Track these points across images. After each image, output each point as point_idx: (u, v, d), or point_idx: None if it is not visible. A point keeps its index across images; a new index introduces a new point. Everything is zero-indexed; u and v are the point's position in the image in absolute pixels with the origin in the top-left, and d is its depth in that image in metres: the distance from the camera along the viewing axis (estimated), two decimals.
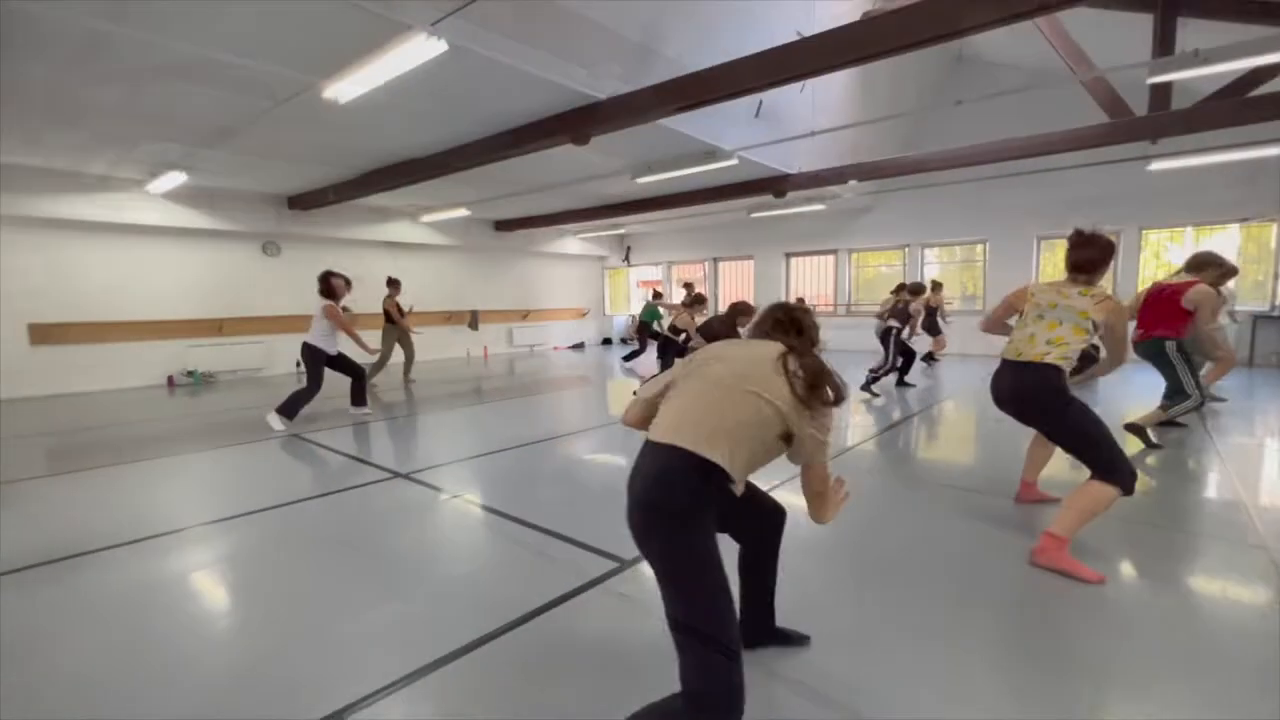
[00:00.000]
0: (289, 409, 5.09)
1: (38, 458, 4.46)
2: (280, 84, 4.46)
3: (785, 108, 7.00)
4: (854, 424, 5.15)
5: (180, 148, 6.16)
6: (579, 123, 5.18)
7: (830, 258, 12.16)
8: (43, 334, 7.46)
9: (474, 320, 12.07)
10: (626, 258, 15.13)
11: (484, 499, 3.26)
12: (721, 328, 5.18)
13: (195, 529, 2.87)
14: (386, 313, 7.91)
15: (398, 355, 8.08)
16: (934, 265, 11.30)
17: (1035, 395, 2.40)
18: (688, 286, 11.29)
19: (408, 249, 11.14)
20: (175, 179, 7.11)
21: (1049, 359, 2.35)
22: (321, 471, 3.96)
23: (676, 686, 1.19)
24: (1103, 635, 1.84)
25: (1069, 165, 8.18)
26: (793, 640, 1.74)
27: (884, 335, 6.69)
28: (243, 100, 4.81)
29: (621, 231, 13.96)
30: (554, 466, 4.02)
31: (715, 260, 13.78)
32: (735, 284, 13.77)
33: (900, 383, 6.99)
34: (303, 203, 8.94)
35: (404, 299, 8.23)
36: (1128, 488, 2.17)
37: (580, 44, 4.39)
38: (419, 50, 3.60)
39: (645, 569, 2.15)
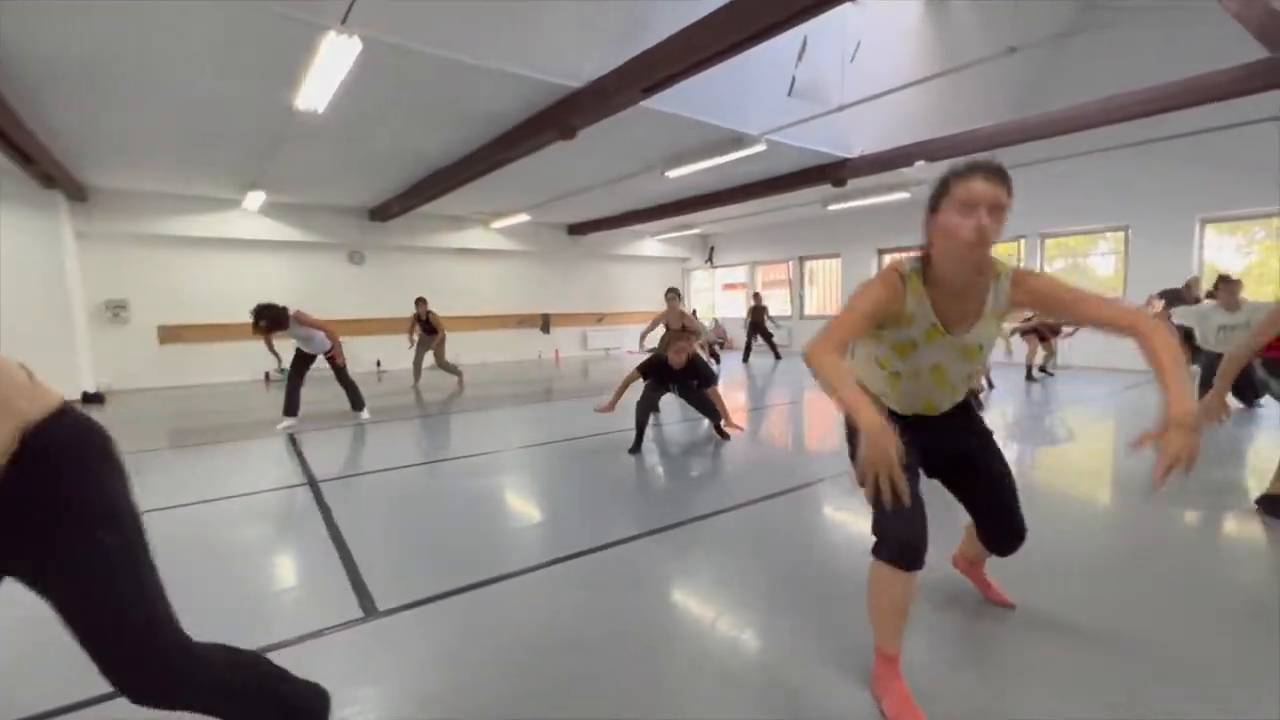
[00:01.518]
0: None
1: (161, 435, 5.37)
2: (259, 99, 4.69)
3: (830, 83, 6.10)
4: None
5: (239, 167, 6.86)
6: (560, 116, 4.89)
7: None
8: (168, 334, 8.79)
9: (545, 324, 12.27)
10: (709, 258, 14.53)
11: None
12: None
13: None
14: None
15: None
16: (1101, 258, 9.37)
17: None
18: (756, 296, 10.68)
19: (482, 255, 11.60)
20: (258, 197, 7.99)
21: None
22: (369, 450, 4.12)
23: None
24: None
25: (1241, 122, 6.31)
26: None
27: None
28: (244, 119, 5.17)
29: (698, 231, 13.41)
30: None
31: (801, 259, 12.70)
32: (825, 283, 12.61)
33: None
34: (380, 214, 9.65)
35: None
36: (887, 555, 1.38)
37: (530, 29, 4.10)
38: (340, 50, 3.56)
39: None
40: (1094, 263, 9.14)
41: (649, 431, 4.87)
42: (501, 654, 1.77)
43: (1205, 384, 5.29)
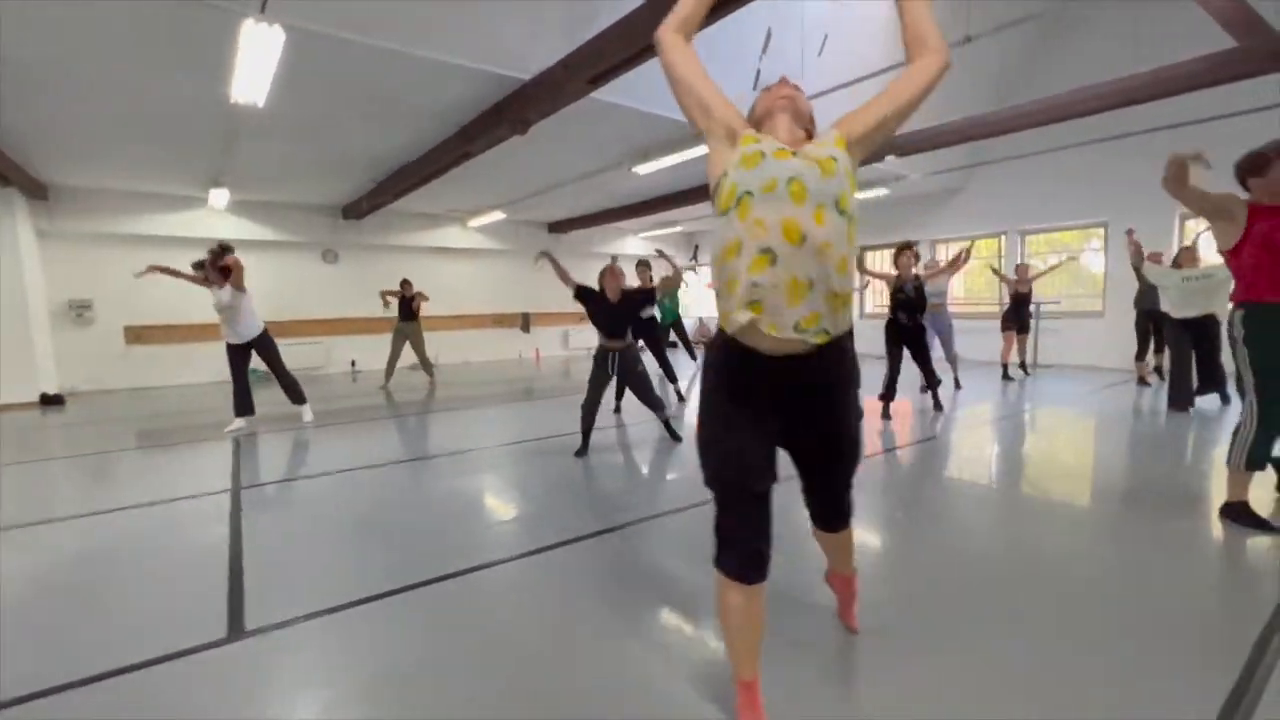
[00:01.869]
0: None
1: (106, 439, 5.22)
2: (193, 93, 4.54)
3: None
4: None
5: (196, 163, 6.72)
6: (512, 109, 4.76)
7: None
8: (135, 335, 8.65)
9: (525, 323, 12.14)
10: (694, 256, 14.40)
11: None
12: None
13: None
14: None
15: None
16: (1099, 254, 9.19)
17: None
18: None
19: (460, 253, 11.46)
20: (223, 195, 7.85)
21: None
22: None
23: None
24: None
25: (1214, 116, 6.17)
26: None
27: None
28: (185, 113, 5.02)
29: (681, 229, 13.27)
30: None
31: None
32: None
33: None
34: (353, 212, 9.50)
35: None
36: (725, 566, 1.28)
37: (472, 19, 3.96)
38: (263, 40, 3.42)
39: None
40: (1088, 259, 8.97)
41: (612, 433, 4.80)
42: (377, 674, 1.65)
43: (1175, 369, 5.14)
